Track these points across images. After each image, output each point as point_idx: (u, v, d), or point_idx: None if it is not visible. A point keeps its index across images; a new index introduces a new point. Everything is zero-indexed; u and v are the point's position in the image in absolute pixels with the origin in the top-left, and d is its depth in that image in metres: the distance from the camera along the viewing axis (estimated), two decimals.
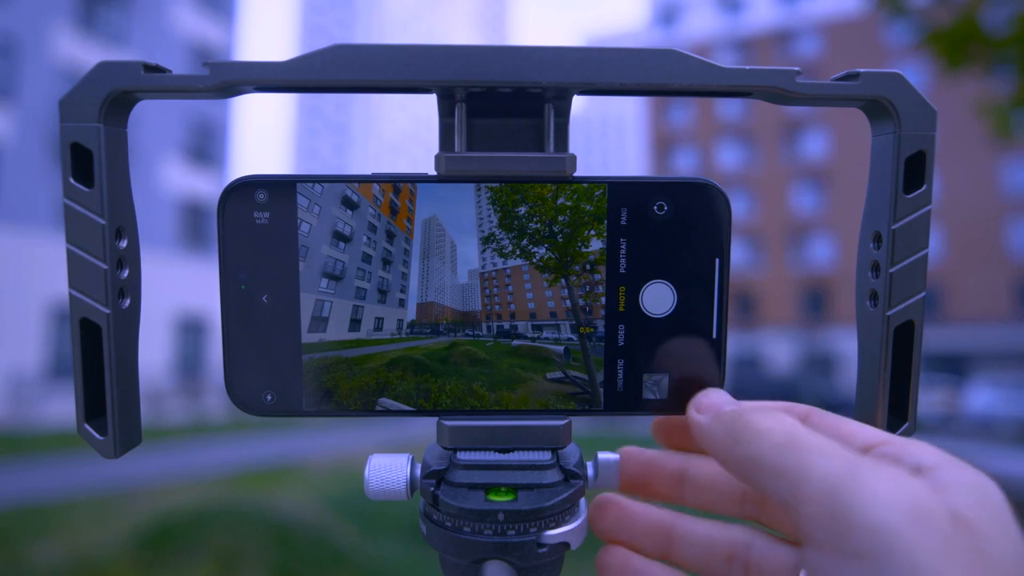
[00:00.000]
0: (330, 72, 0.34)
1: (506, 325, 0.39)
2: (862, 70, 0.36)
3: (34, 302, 14.41)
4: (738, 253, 28.83)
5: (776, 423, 0.30)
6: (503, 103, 0.37)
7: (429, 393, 0.38)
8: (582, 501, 0.39)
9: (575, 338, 0.39)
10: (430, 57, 0.34)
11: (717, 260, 0.38)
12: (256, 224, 0.37)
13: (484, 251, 0.39)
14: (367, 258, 0.38)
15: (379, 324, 0.39)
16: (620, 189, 0.37)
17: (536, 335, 0.39)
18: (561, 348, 0.39)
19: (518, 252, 0.38)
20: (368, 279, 0.38)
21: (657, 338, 0.38)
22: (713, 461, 0.36)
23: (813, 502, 0.27)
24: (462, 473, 0.37)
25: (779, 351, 27.41)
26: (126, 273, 0.36)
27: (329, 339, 0.38)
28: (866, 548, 0.25)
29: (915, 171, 0.36)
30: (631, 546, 0.39)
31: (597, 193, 0.37)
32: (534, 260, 0.38)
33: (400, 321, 0.39)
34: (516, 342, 0.39)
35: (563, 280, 0.38)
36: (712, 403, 0.35)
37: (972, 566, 0.24)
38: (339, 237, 0.38)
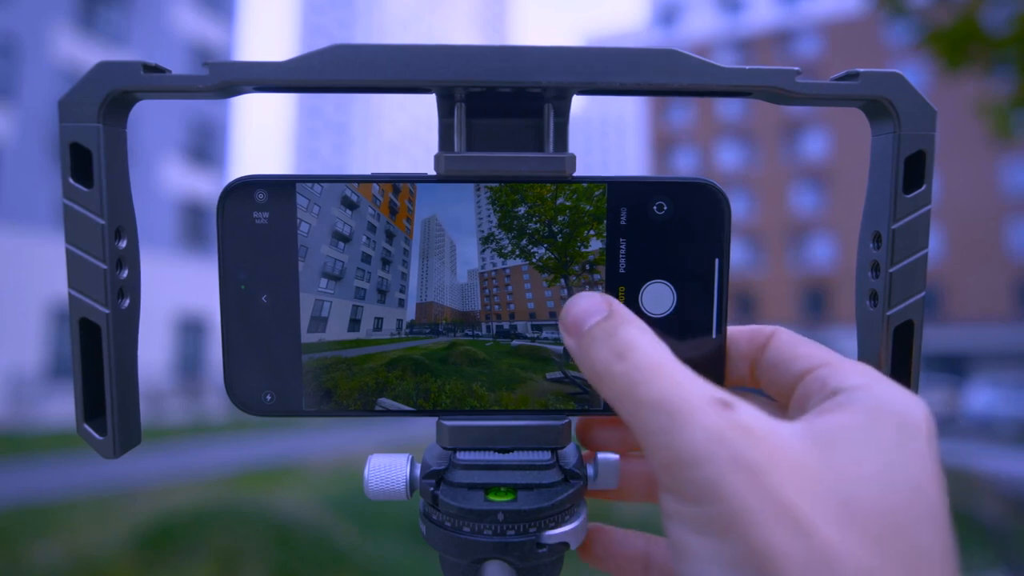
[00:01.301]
0: (330, 72, 0.34)
1: (506, 325, 0.39)
2: (862, 70, 0.36)
3: (34, 302, 14.41)
4: (738, 253, 28.83)
5: (621, 371, 0.29)
6: (503, 103, 0.37)
7: (429, 393, 0.38)
8: (582, 501, 0.39)
9: None
10: (430, 57, 0.34)
11: (717, 260, 0.38)
12: (256, 224, 0.37)
13: (484, 251, 0.39)
14: (367, 258, 0.38)
15: (378, 324, 0.39)
16: (620, 189, 0.37)
17: (536, 335, 0.39)
18: (560, 348, 0.39)
19: (517, 252, 0.38)
20: (368, 279, 0.38)
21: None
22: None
23: (648, 453, 0.28)
24: (462, 473, 0.37)
25: None
26: (126, 273, 0.36)
27: (329, 339, 0.38)
28: (690, 495, 0.26)
29: (915, 171, 0.36)
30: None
31: (597, 193, 0.37)
32: (534, 260, 0.38)
33: (399, 321, 0.38)
34: (516, 342, 0.39)
35: (563, 280, 0.38)
36: (575, 320, 0.33)
37: (792, 492, 0.25)
38: (339, 237, 0.38)
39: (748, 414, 0.27)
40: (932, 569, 0.24)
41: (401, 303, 0.39)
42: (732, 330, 0.38)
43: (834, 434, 0.27)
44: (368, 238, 0.38)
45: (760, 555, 0.24)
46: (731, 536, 0.24)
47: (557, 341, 0.39)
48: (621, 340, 0.30)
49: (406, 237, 0.39)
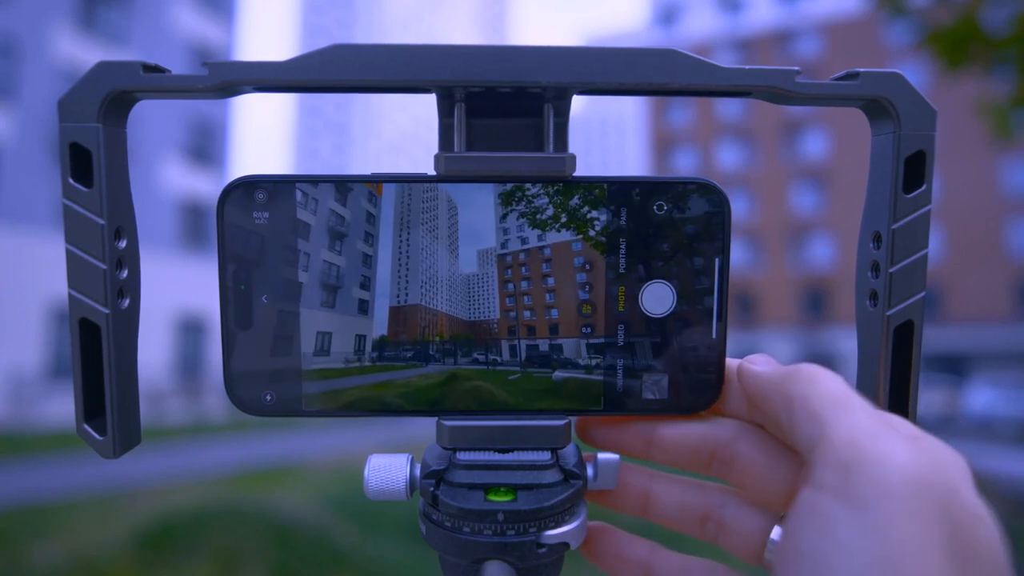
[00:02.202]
0: (330, 72, 0.34)
1: (543, 345, 0.35)
2: (862, 70, 0.36)
3: (34, 302, 14.41)
4: (738, 253, 28.82)
5: (831, 379, 0.31)
6: (503, 103, 0.37)
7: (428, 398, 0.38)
8: (581, 501, 0.39)
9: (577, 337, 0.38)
10: (430, 57, 0.34)
11: (717, 260, 0.38)
12: (256, 224, 0.37)
13: (506, 217, 0.35)
14: (366, 259, 0.38)
15: (324, 343, 0.34)
16: (620, 189, 0.37)
17: (592, 360, 0.35)
18: (630, 384, 0.38)
19: (565, 218, 0.35)
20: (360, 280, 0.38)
21: (657, 338, 0.38)
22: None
23: (835, 447, 0.28)
24: (462, 473, 0.37)
25: (779, 351, 27.40)
26: (125, 273, 0.36)
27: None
28: (867, 499, 0.26)
29: (915, 171, 0.36)
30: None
31: (597, 193, 0.37)
32: (594, 230, 0.35)
33: (360, 339, 0.34)
34: (560, 374, 0.36)
35: (641, 267, 0.37)
36: (768, 359, 0.36)
37: (955, 552, 0.25)
38: (338, 237, 0.37)
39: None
40: None
41: (363, 308, 0.35)
42: (731, 363, 0.38)
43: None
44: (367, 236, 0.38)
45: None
46: (894, 561, 0.25)
47: (629, 371, 0.36)
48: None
49: (371, 193, 0.34)
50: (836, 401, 0.30)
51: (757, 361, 0.36)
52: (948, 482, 0.27)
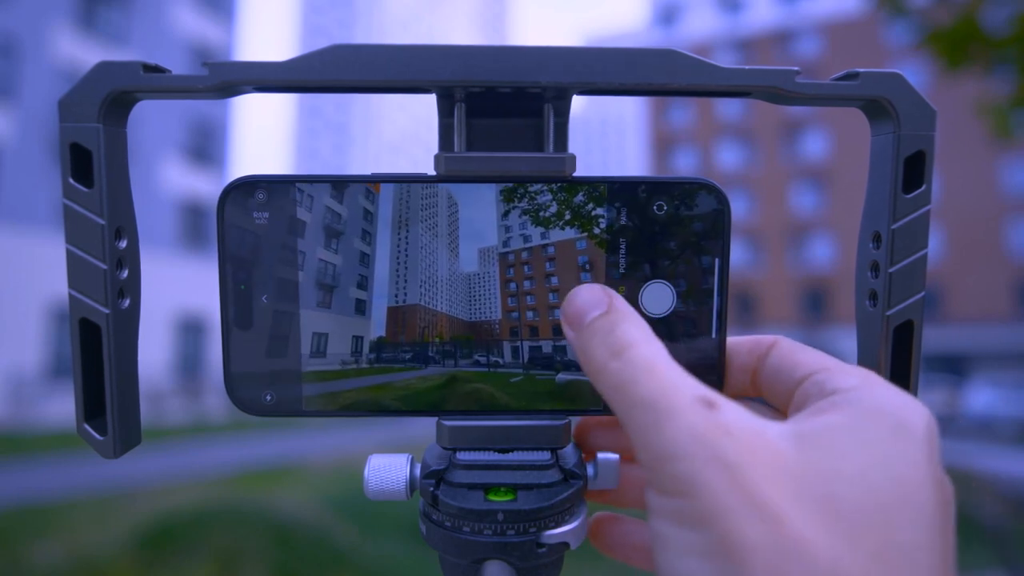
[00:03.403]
0: (330, 72, 0.34)
1: (547, 346, 0.34)
2: (862, 70, 0.36)
3: (34, 302, 14.41)
4: (738, 253, 28.82)
5: (617, 368, 0.30)
6: (502, 103, 0.37)
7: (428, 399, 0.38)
8: (582, 501, 0.39)
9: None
10: (430, 57, 0.34)
11: (717, 260, 0.38)
12: (256, 224, 0.37)
13: (508, 214, 0.35)
14: (364, 259, 0.38)
15: (318, 345, 0.34)
16: (620, 189, 0.37)
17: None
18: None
19: (569, 216, 0.35)
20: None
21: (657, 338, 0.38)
22: None
23: (634, 448, 0.29)
24: (462, 473, 0.37)
25: None
26: (126, 273, 0.36)
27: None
28: (670, 489, 0.27)
29: (914, 171, 0.36)
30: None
31: (596, 193, 0.37)
32: (598, 228, 0.35)
33: (357, 340, 0.33)
34: (564, 376, 0.35)
35: (647, 266, 0.37)
36: (576, 312, 0.33)
37: (769, 488, 0.25)
38: (338, 237, 0.37)
39: (731, 414, 0.28)
40: (912, 566, 0.25)
41: (361, 308, 0.34)
42: (732, 340, 0.38)
43: (820, 433, 0.28)
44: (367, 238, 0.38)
45: (731, 545, 0.25)
46: (705, 528, 0.25)
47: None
48: (618, 337, 0.31)
49: (370, 192, 0.34)
50: (621, 396, 0.30)
51: (569, 316, 0.34)
52: (707, 434, 0.27)
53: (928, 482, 0.27)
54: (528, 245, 0.36)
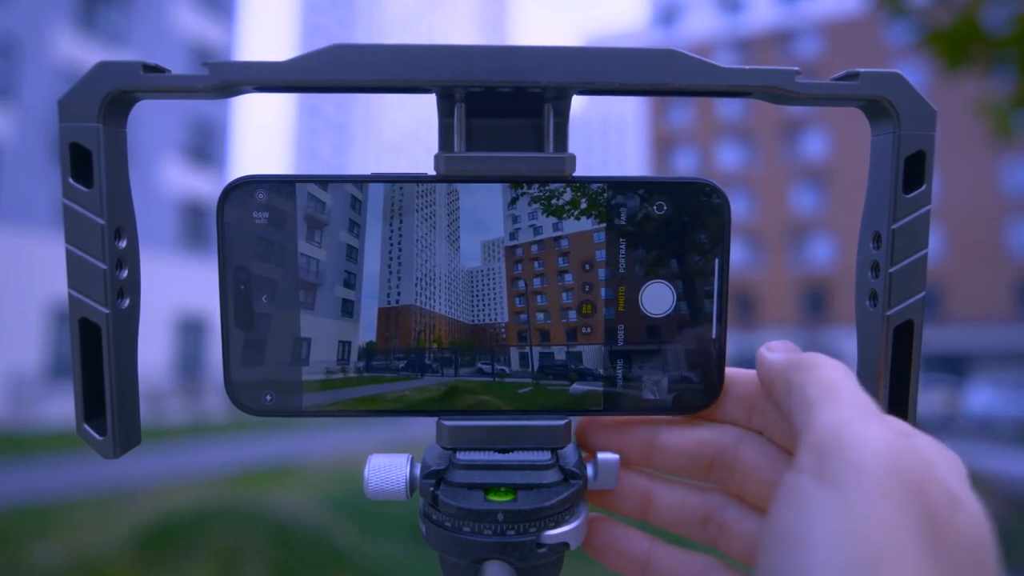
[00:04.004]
0: (330, 72, 0.34)
1: (559, 353, 0.33)
2: (862, 70, 0.36)
3: (34, 302, 14.41)
4: (738, 253, 28.82)
5: (830, 367, 0.32)
6: (502, 103, 0.37)
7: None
8: (582, 501, 0.39)
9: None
10: (430, 57, 0.34)
11: (717, 260, 0.38)
12: (255, 224, 0.37)
13: (515, 204, 0.34)
14: (361, 259, 0.38)
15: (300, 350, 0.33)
16: (620, 189, 0.37)
17: (616, 370, 0.33)
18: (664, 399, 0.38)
19: (584, 204, 0.34)
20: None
21: (657, 338, 0.38)
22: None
23: (817, 432, 0.28)
24: (461, 473, 0.37)
25: None
26: (125, 273, 0.36)
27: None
28: (841, 479, 0.26)
29: (915, 171, 0.36)
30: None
31: (596, 192, 0.37)
32: (620, 219, 0.34)
33: (344, 346, 0.32)
34: (578, 387, 0.35)
35: (674, 261, 0.37)
36: (787, 346, 0.36)
37: (928, 531, 0.25)
38: (338, 237, 0.37)
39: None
40: None
41: (347, 310, 0.33)
42: (732, 372, 0.38)
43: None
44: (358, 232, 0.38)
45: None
46: (863, 538, 0.25)
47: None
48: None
49: (371, 191, 0.32)
50: (828, 389, 0.30)
51: (774, 348, 0.36)
52: (925, 466, 0.27)
53: (914, 539, 0.25)
54: (539, 238, 0.34)
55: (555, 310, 0.36)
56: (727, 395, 0.38)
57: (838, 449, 0.27)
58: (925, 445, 0.29)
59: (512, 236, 0.33)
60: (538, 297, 0.34)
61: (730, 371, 0.38)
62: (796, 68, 0.35)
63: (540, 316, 0.34)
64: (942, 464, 0.28)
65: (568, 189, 0.37)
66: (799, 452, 0.29)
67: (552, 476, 0.37)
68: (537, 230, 0.32)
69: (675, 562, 0.38)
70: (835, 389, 0.30)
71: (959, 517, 0.26)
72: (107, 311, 0.35)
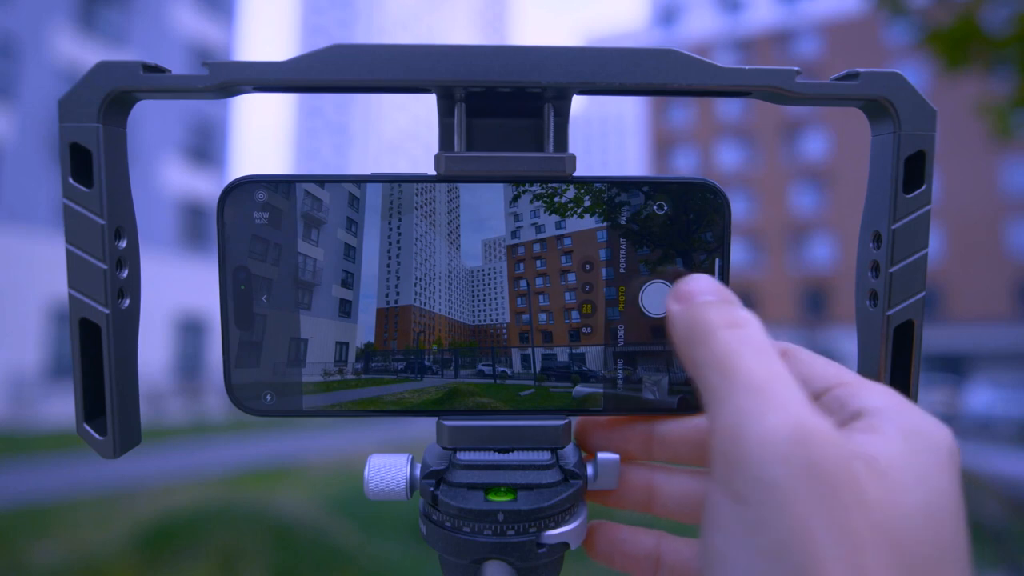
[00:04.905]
0: (330, 72, 0.34)
1: (562, 355, 0.33)
2: (862, 70, 0.36)
3: (34, 302, 14.41)
4: (738, 253, 28.82)
5: (725, 337, 0.28)
6: (503, 103, 0.37)
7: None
8: (582, 501, 0.39)
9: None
10: (430, 57, 0.34)
11: (717, 260, 0.38)
12: (255, 224, 0.37)
13: (516, 201, 0.34)
14: (359, 258, 0.38)
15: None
16: (620, 189, 0.37)
17: (620, 372, 0.33)
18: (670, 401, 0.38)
19: (588, 202, 0.34)
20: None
21: (657, 338, 0.38)
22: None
23: (719, 435, 0.26)
24: (461, 473, 0.37)
25: None
26: (125, 273, 0.36)
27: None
28: (747, 494, 0.25)
29: (915, 171, 0.36)
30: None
31: (597, 192, 0.37)
32: (623, 218, 0.34)
33: (342, 348, 0.32)
34: (582, 389, 0.35)
35: (679, 260, 0.36)
36: (690, 291, 0.31)
37: (857, 523, 0.24)
38: (338, 237, 0.37)
39: (829, 425, 0.25)
40: None
41: (345, 310, 0.33)
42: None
43: (881, 461, 0.26)
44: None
45: None
46: (780, 552, 0.24)
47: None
48: (738, 315, 0.29)
49: (371, 191, 0.32)
50: (724, 369, 0.27)
51: (680, 295, 0.31)
52: (832, 449, 0.25)
53: (962, 509, 0.26)
54: (541, 236, 0.34)
55: (557, 310, 0.36)
56: None
57: (739, 459, 0.25)
58: (823, 427, 0.26)
59: (514, 235, 0.32)
60: (540, 297, 0.34)
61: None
62: (796, 68, 0.35)
63: (543, 316, 0.34)
64: (840, 443, 0.25)
65: (569, 188, 0.37)
66: (711, 454, 0.27)
67: (552, 476, 0.37)
68: (539, 228, 0.32)
69: (685, 553, 0.38)
70: (731, 369, 0.27)
71: (883, 486, 0.25)
72: (107, 311, 0.35)
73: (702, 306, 0.30)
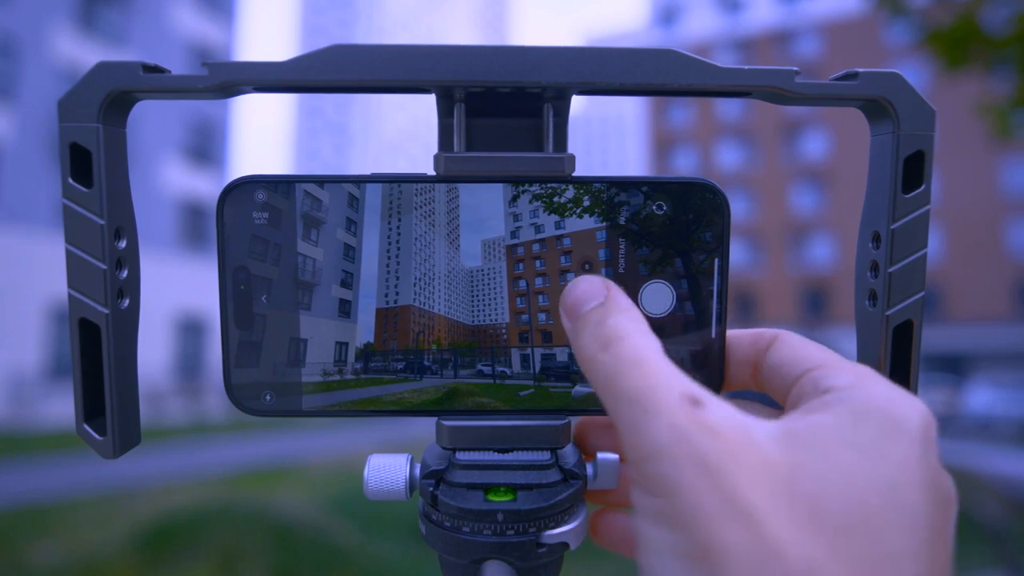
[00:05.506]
0: (330, 72, 0.34)
1: (562, 355, 0.33)
2: (861, 70, 0.36)
3: (34, 302, 14.41)
4: (738, 253, 28.83)
5: (604, 359, 0.29)
6: (502, 103, 0.37)
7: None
8: (581, 501, 0.39)
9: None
10: (430, 57, 0.34)
11: (716, 260, 0.38)
12: (255, 224, 0.37)
13: (516, 201, 0.33)
14: (358, 258, 0.38)
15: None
16: (620, 189, 0.37)
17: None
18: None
19: (587, 202, 0.34)
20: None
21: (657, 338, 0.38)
22: None
23: (637, 464, 0.28)
24: (461, 473, 0.37)
25: None
26: (125, 273, 0.36)
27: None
28: (656, 489, 0.26)
29: (914, 171, 0.36)
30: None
31: (596, 192, 0.37)
32: (622, 217, 0.33)
33: (341, 348, 0.32)
34: (581, 389, 0.35)
35: (679, 260, 0.37)
36: (572, 304, 0.32)
37: (749, 488, 0.25)
38: (338, 237, 0.37)
39: (717, 412, 0.27)
40: (896, 571, 0.24)
41: (345, 310, 0.33)
42: (734, 333, 0.38)
43: (809, 433, 0.27)
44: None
45: (708, 548, 0.24)
46: (684, 529, 0.25)
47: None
48: (609, 329, 0.30)
49: (370, 191, 0.32)
50: (608, 392, 0.29)
51: (567, 306, 0.32)
52: (689, 433, 0.26)
53: (920, 485, 0.26)
54: (540, 236, 0.34)
55: (556, 310, 0.36)
56: (731, 359, 0.38)
57: (638, 464, 0.27)
58: (718, 418, 0.27)
59: (513, 235, 0.33)
60: (539, 297, 0.34)
61: (733, 333, 0.38)
62: (796, 68, 0.35)
63: (542, 316, 0.34)
64: (741, 429, 0.27)
65: (569, 188, 0.37)
66: (632, 482, 0.28)
67: (552, 476, 0.37)
68: (539, 228, 0.32)
69: None
70: (613, 391, 0.28)
71: (792, 452, 0.26)
72: (107, 311, 0.35)
73: (581, 327, 0.31)
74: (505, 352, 0.35)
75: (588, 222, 0.37)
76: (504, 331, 0.34)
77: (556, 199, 0.36)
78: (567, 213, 0.37)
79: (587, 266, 0.38)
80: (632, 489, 0.28)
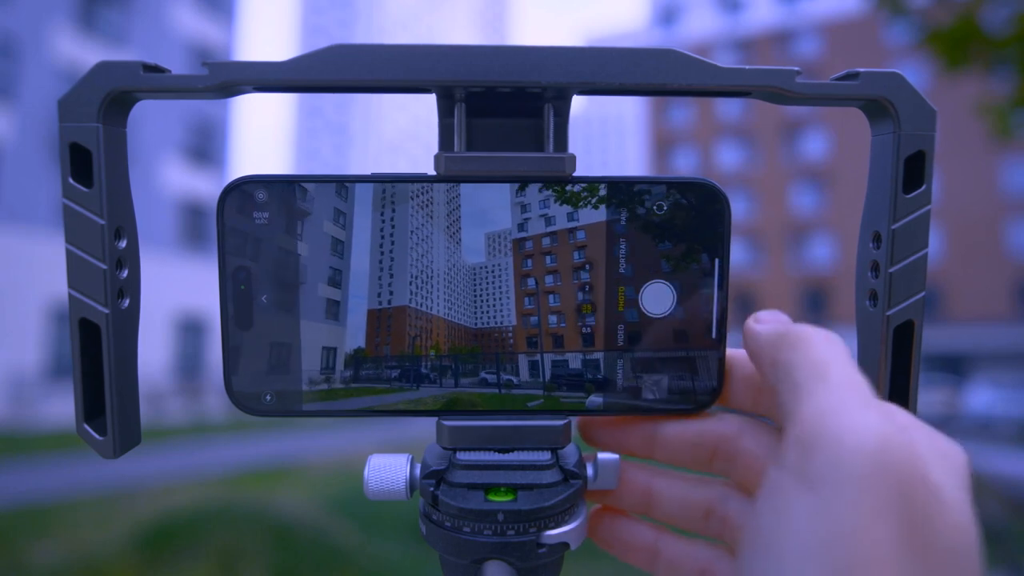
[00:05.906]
0: (330, 72, 0.34)
1: (574, 361, 0.31)
2: (862, 70, 0.36)
3: (34, 302, 14.41)
4: (738, 253, 28.82)
5: (821, 344, 0.30)
6: (503, 103, 0.37)
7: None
8: (582, 501, 0.39)
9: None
10: (430, 57, 0.34)
11: (717, 260, 0.38)
12: (255, 224, 0.37)
13: (525, 188, 0.32)
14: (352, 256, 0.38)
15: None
16: (620, 189, 0.37)
17: (636, 379, 0.32)
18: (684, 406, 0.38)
19: (603, 191, 0.32)
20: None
21: (657, 338, 0.38)
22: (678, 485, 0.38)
23: (802, 423, 0.27)
24: (462, 473, 0.37)
25: None
26: (125, 273, 0.36)
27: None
28: (821, 479, 0.25)
29: (914, 171, 0.36)
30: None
31: (597, 193, 0.37)
32: (642, 208, 0.33)
33: (329, 353, 0.30)
34: (596, 398, 0.33)
35: (705, 255, 0.37)
36: (775, 318, 0.34)
37: (908, 538, 0.24)
38: (339, 238, 0.37)
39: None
40: None
41: (333, 311, 0.31)
42: (735, 353, 0.38)
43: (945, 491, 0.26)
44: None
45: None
46: (838, 546, 0.24)
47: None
48: (833, 335, 0.31)
49: (371, 191, 0.32)
50: (817, 370, 0.29)
51: (762, 319, 0.35)
52: (914, 463, 0.25)
53: (893, 547, 0.24)
54: (551, 229, 0.32)
55: (564, 311, 0.35)
56: (731, 380, 0.38)
57: (821, 445, 0.26)
58: (921, 438, 0.27)
59: (521, 227, 0.30)
60: (550, 297, 0.33)
61: (732, 352, 0.38)
62: (796, 68, 0.35)
63: (553, 319, 0.31)
64: (935, 461, 0.26)
65: (570, 188, 0.37)
66: (784, 444, 0.28)
67: (552, 476, 0.37)
68: (549, 220, 0.29)
69: (682, 553, 0.38)
70: (824, 371, 0.29)
71: (943, 521, 0.25)
72: (107, 311, 0.35)
73: (796, 324, 0.32)
74: (512, 358, 0.34)
75: (589, 222, 0.37)
76: (511, 335, 0.32)
77: (570, 187, 0.36)
78: (585, 201, 0.36)
79: (588, 266, 0.38)
80: (783, 472, 0.27)
